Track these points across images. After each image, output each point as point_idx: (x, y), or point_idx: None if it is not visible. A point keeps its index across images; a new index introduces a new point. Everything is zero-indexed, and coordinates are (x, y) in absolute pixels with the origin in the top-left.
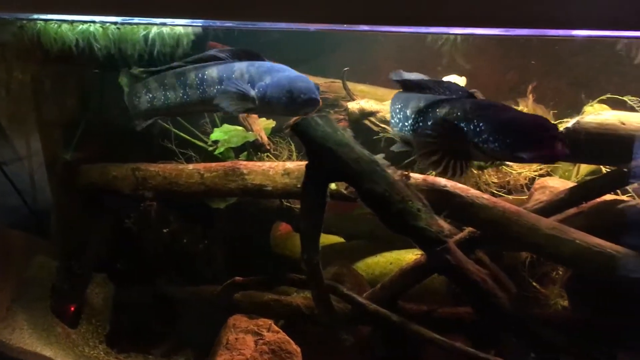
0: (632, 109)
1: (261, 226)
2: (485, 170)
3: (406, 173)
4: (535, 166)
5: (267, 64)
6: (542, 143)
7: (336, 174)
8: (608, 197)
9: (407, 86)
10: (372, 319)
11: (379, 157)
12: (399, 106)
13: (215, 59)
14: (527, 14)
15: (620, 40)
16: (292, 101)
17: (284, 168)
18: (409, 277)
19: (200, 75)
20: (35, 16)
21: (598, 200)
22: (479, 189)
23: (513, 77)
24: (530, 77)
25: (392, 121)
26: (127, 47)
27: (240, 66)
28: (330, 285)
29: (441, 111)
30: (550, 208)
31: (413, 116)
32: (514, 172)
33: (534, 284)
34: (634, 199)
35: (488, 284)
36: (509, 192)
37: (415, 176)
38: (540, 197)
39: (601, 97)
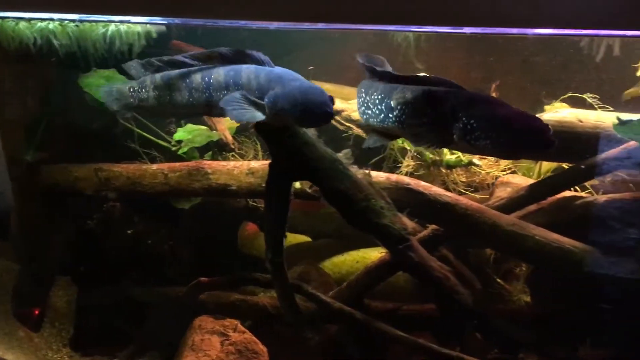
0: (591, 106)
1: (228, 226)
2: (453, 170)
3: (368, 171)
4: (503, 165)
5: (277, 69)
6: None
7: (299, 172)
8: (567, 193)
9: (379, 74)
10: (337, 318)
11: (342, 156)
12: (379, 97)
13: (221, 58)
14: (489, 13)
15: (583, 39)
16: (306, 115)
17: (248, 167)
18: (374, 275)
19: (206, 78)
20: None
21: (557, 196)
22: (447, 188)
23: (477, 75)
24: (494, 75)
25: (369, 112)
26: (88, 45)
27: (249, 71)
28: (294, 284)
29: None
30: (511, 205)
31: (400, 107)
32: (482, 171)
33: (499, 280)
34: (592, 195)
35: (450, 281)
36: (476, 191)
37: (379, 174)
38: (501, 194)
39: (563, 97)
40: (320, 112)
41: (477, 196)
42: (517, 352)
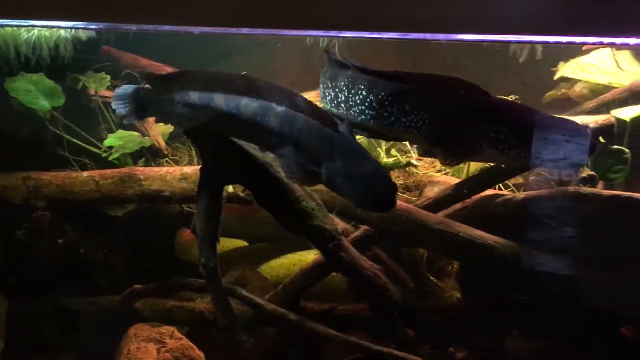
0: None
1: (164, 233)
2: (391, 172)
3: None
4: (439, 165)
5: (338, 136)
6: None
7: (230, 176)
8: (489, 191)
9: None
10: (271, 319)
11: (273, 159)
12: (357, 88)
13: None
14: (419, 19)
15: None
16: (366, 202)
17: (181, 173)
18: (308, 276)
19: (258, 117)
20: None
21: (480, 194)
22: None
23: None
24: None
25: (346, 105)
26: (10, 49)
27: (308, 127)
28: (228, 287)
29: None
30: (438, 204)
31: (418, 113)
32: (419, 172)
33: (431, 278)
34: (514, 192)
35: (380, 279)
36: (410, 191)
37: None
38: (429, 193)
39: None
40: (381, 204)
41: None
42: (447, 346)
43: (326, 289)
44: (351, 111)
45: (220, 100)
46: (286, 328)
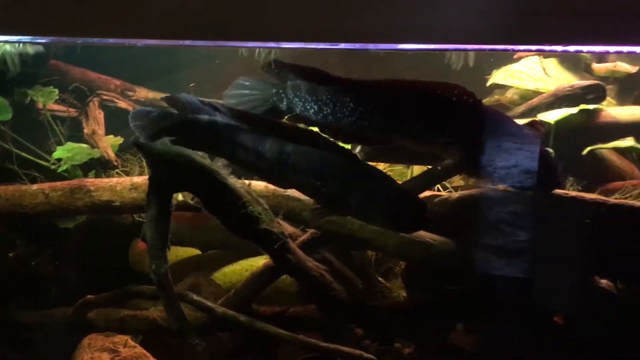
0: None
1: (118, 244)
2: None
3: (247, 181)
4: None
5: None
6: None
7: (178, 184)
8: (427, 192)
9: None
10: (222, 322)
11: (220, 166)
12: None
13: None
14: (360, 29)
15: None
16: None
17: (131, 183)
18: (259, 280)
19: (284, 157)
20: None
21: (419, 195)
22: None
23: None
24: None
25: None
26: None
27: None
28: (179, 293)
29: None
30: None
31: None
32: None
33: (380, 279)
34: (451, 192)
35: (326, 278)
36: None
37: (257, 183)
38: None
39: None
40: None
41: None
42: (394, 342)
43: (277, 292)
44: (342, 122)
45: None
46: (238, 331)
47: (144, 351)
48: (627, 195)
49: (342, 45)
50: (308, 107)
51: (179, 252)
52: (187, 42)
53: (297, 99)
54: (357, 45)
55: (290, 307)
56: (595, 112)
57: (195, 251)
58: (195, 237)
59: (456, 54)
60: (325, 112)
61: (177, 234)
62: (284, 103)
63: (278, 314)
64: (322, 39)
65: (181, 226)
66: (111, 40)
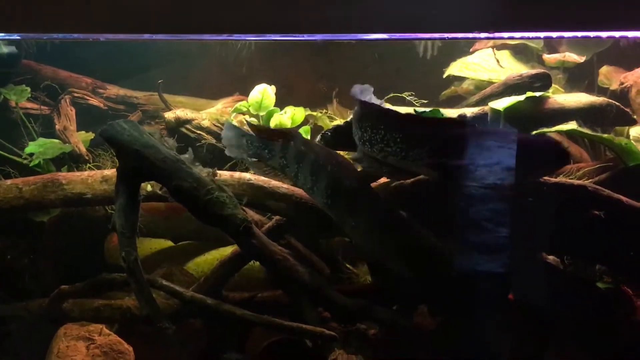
0: (410, 103)
1: (93, 237)
2: None
3: (213, 170)
4: None
5: None
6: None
7: (145, 174)
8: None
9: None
10: (191, 305)
11: (187, 157)
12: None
13: None
14: (325, 21)
15: (417, 47)
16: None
17: (102, 175)
18: (228, 267)
19: None
20: None
21: (377, 182)
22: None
23: (324, 85)
24: (337, 84)
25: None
26: None
27: None
28: (149, 279)
29: None
30: None
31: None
32: None
33: (347, 265)
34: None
35: (289, 262)
36: None
37: (223, 172)
38: None
39: (387, 96)
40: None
41: None
42: (353, 320)
43: (247, 279)
44: (374, 148)
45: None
46: (206, 314)
47: (119, 339)
48: (570, 177)
49: (307, 37)
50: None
51: (152, 245)
52: (145, 36)
53: None
54: (326, 36)
55: (258, 293)
56: (543, 99)
57: (168, 243)
58: (168, 229)
59: (423, 46)
60: None
61: (150, 226)
62: None
63: (247, 299)
64: (288, 30)
65: (154, 218)
66: (75, 36)
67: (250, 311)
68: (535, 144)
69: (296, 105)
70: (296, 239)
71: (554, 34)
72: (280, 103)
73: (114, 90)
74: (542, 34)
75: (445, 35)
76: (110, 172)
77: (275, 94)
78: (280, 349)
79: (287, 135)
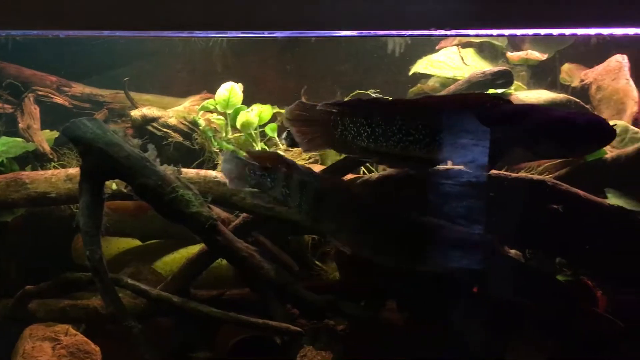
0: None
1: (60, 237)
2: None
3: (178, 168)
4: (305, 155)
5: None
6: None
7: (109, 172)
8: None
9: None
10: (157, 304)
11: (149, 154)
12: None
13: None
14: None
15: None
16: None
17: (66, 174)
18: (195, 265)
19: None
20: None
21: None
22: None
23: (291, 84)
24: (306, 82)
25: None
26: None
27: None
28: (114, 277)
29: None
30: None
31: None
32: None
33: (317, 262)
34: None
35: (255, 259)
36: None
37: (189, 170)
38: None
39: (352, 93)
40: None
41: None
42: (320, 314)
43: (216, 277)
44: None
45: None
46: (173, 312)
47: (85, 338)
48: (531, 172)
49: (278, 34)
50: None
51: (120, 244)
52: (105, 33)
53: None
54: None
55: (226, 291)
56: (505, 95)
57: (136, 242)
58: (136, 228)
59: (393, 42)
60: None
61: (118, 226)
62: None
63: (215, 297)
64: (259, 27)
65: (122, 217)
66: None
67: (218, 309)
68: (579, 121)
69: (265, 102)
70: (265, 236)
71: (518, 32)
72: (250, 100)
73: (79, 88)
74: (506, 32)
75: (410, 32)
76: (75, 170)
77: (244, 91)
78: (249, 346)
79: (285, 161)
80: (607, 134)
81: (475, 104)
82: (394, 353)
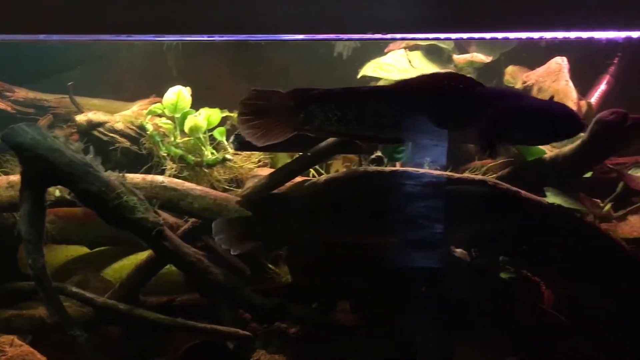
0: None
1: (4, 247)
2: (214, 168)
3: (122, 173)
4: (254, 158)
5: None
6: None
7: (50, 178)
8: (299, 178)
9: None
10: (103, 312)
11: (91, 159)
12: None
13: None
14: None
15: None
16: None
17: (7, 181)
18: (143, 271)
19: None
20: None
21: (293, 181)
22: (212, 185)
23: (244, 86)
24: (258, 84)
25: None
26: None
27: None
28: (57, 286)
29: None
30: (255, 193)
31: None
32: (236, 165)
33: (270, 265)
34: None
35: (203, 263)
36: (239, 185)
37: (135, 176)
38: (250, 184)
39: None
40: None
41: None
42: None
43: (168, 283)
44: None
45: None
46: (120, 320)
47: (31, 349)
48: (475, 172)
49: (227, 37)
50: None
51: (68, 252)
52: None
53: None
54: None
55: (177, 297)
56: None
57: (85, 250)
58: (84, 235)
59: (343, 45)
60: None
61: (65, 233)
62: None
63: (166, 303)
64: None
65: (69, 225)
66: None
67: (169, 315)
68: (555, 110)
69: (218, 106)
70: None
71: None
72: (203, 104)
73: (22, 93)
74: (453, 36)
75: (358, 36)
76: (16, 177)
77: (197, 95)
78: (201, 351)
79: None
80: (579, 126)
81: (450, 85)
82: (346, 354)
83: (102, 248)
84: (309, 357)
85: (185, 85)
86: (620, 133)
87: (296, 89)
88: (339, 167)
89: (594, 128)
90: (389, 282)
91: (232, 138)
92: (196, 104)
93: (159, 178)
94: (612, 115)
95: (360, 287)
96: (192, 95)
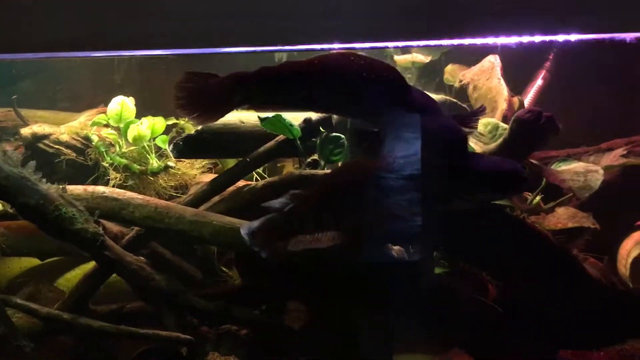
0: None
1: None
2: (158, 176)
3: (63, 185)
4: (198, 165)
5: None
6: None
7: None
8: (240, 182)
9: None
10: (48, 322)
11: (29, 172)
12: None
13: None
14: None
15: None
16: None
17: None
18: (91, 280)
19: None
20: None
21: (234, 186)
22: (157, 194)
23: None
24: None
25: None
26: None
27: None
28: (1, 298)
29: None
30: (197, 199)
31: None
32: (179, 172)
33: (223, 268)
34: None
35: (145, 271)
36: (185, 192)
37: (76, 187)
38: (193, 191)
39: None
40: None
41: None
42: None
43: (118, 291)
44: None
45: None
46: (66, 330)
47: None
48: None
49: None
50: None
51: (22, 263)
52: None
53: None
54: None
55: (125, 304)
56: None
57: (35, 261)
58: (33, 247)
59: (282, 54)
60: None
61: (15, 245)
62: None
63: (115, 311)
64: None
65: (17, 237)
66: None
67: (119, 322)
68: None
69: (170, 115)
70: (165, 246)
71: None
72: (154, 114)
73: None
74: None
75: (299, 47)
76: None
77: (148, 105)
78: (153, 357)
79: None
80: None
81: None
82: (295, 355)
83: (55, 258)
84: (260, 358)
85: (135, 95)
86: (536, 130)
87: (235, 72)
88: (290, 169)
89: (513, 126)
90: (330, 282)
91: (171, 147)
92: (148, 113)
93: (100, 188)
94: (528, 114)
95: (308, 287)
96: (146, 104)
